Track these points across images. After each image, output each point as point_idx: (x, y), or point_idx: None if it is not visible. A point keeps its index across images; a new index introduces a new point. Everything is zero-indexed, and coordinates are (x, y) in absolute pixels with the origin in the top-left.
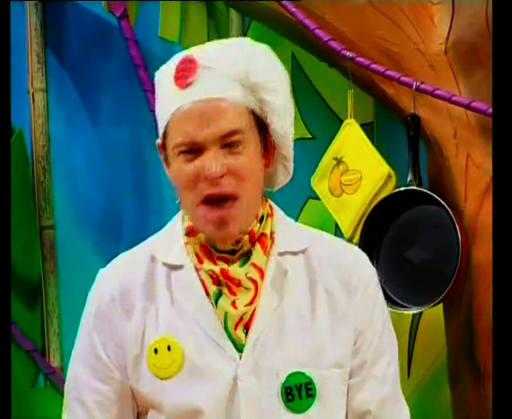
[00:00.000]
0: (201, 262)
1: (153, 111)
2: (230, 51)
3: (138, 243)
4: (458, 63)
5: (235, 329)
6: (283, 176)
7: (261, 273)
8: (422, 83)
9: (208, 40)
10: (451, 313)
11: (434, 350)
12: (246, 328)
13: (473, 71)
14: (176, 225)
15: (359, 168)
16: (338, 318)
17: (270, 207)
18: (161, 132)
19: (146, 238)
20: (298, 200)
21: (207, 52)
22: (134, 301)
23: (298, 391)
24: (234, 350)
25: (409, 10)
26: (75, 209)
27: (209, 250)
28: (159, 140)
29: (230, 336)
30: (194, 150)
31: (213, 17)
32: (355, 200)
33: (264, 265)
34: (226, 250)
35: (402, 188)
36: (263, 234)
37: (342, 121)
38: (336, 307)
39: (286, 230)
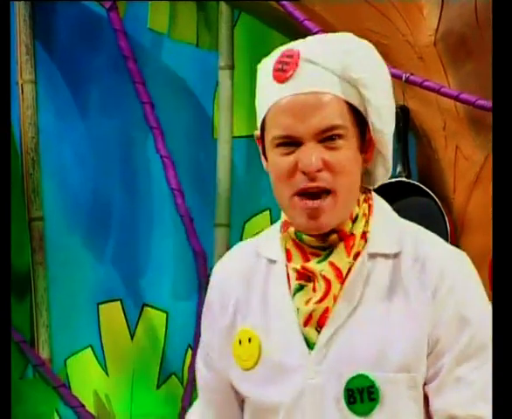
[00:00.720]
0: (289, 258)
1: (142, 103)
2: (332, 46)
3: (127, 235)
4: (447, 55)
5: (305, 326)
6: (382, 174)
7: (339, 273)
8: (411, 75)
9: (197, 32)
10: None
11: None
12: (320, 326)
13: (463, 62)
14: (280, 220)
15: None
16: (412, 323)
17: (369, 206)
18: (259, 124)
19: (135, 231)
20: None
21: (310, 46)
22: (232, 293)
23: (360, 394)
24: (305, 347)
25: (398, 2)
26: (64, 201)
27: (300, 246)
28: (257, 132)
29: (302, 333)
30: (292, 143)
31: (203, 9)
32: None
33: (344, 266)
34: (317, 246)
35: (391, 180)
36: (352, 234)
37: None
38: (412, 313)
39: (383, 229)
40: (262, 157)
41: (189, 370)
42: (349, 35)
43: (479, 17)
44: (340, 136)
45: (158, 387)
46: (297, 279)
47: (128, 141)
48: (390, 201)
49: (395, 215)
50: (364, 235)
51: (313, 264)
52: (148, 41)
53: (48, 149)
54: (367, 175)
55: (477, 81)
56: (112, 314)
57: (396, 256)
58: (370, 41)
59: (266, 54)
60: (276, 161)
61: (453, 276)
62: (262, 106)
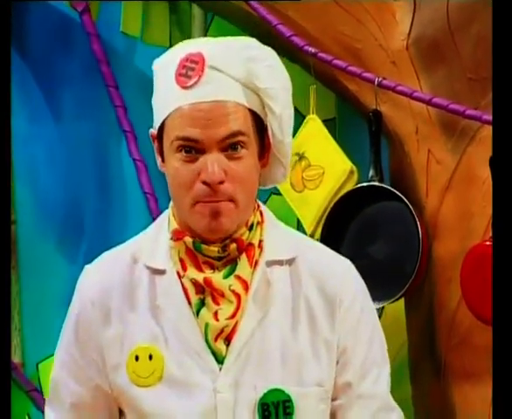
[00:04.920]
0: (185, 268)
1: (115, 106)
2: (237, 53)
3: (100, 239)
4: (419, 59)
5: (215, 341)
6: (278, 176)
7: (245, 285)
8: (384, 79)
9: (170, 35)
10: (412, 308)
11: (395, 345)
12: (228, 340)
13: (435, 67)
14: (163, 227)
15: (321, 164)
16: (319, 335)
17: (261, 213)
18: (157, 124)
19: (108, 235)
20: (260, 196)
21: (215, 51)
22: (114, 305)
23: (275, 408)
24: (214, 362)
25: (371, 6)
26: (37, 205)
27: (194, 255)
28: (153, 131)
29: (210, 348)
30: (195, 150)
31: (175, 13)
32: (317, 195)
33: (249, 277)
34: (213, 256)
35: (363, 184)
36: (250, 244)
37: (304, 117)
38: (318, 324)
39: (275, 237)
40: (157, 156)
41: None
42: (254, 41)
43: (451, 21)
44: (242, 145)
45: None
46: (197, 293)
47: (101, 145)
48: (363, 205)
49: (282, 223)
50: (260, 243)
51: (219, 280)
52: (121, 44)
53: (20, 153)
54: (263, 176)
55: (449, 85)
56: None
57: (291, 262)
58: (344, 45)
59: None
60: (176, 167)
61: (352, 286)
62: (162, 108)
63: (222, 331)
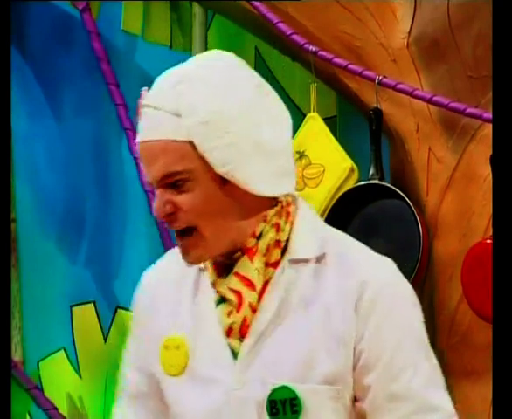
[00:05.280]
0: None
1: (116, 104)
2: (169, 88)
3: (101, 237)
4: (420, 57)
5: (228, 337)
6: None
7: (247, 282)
8: (384, 77)
9: (171, 34)
10: None
11: None
12: (242, 336)
13: (435, 65)
14: None
15: (322, 162)
16: (335, 333)
17: (287, 214)
18: None
19: (109, 233)
20: None
21: (153, 87)
22: (162, 298)
23: (282, 406)
24: (230, 358)
25: (372, 4)
26: (37, 203)
27: (215, 261)
28: None
29: (228, 344)
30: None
31: (176, 11)
32: (317, 194)
33: (254, 275)
34: (226, 263)
35: (364, 182)
36: (255, 245)
37: (304, 115)
38: (336, 322)
39: (303, 236)
40: None
41: None
42: (196, 64)
43: (451, 20)
44: (185, 180)
45: None
46: (217, 292)
47: (101, 143)
48: (363, 203)
49: (320, 221)
50: (279, 243)
51: (220, 281)
52: (122, 43)
53: (21, 150)
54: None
55: (450, 84)
56: (85, 316)
57: (318, 261)
58: (344, 43)
59: (240, 56)
60: None
61: (376, 287)
62: None
63: (231, 327)
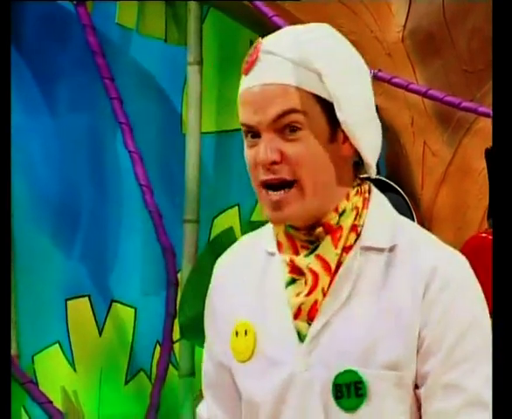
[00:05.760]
0: (280, 250)
1: (111, 98)
2: (294, 36)
3: (96, 232)
4: (415, 51)
5: (295, 319)
6: (367, 165)
7: (326, 266)
8: (380, 71)
9: (166, 27)
10: None
11: None
12: (311, 319)
13: (430, 59)
14: None
15: None
16: (403, 320)
17: (364, 199)
18: None
19: (104, 228)
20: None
21: (274, 37)
22: (232, 284)
23: (347, 389)
24: (297, 340)
25: None
26: (32, 197)
27: (291, 238)
28: None
29: (294, 326)
30: (253, 134)
31: (171, 5)
32: None
33: (333, 258)
34: (306, 239)
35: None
36: (339, 226)
37: None
38: (402, 310)
39: (377, 223)
40: None
41: (157, 366)
42: (317, 25)
43: (446, 14)
44: (300, 127)
45: (126, 383)
46: (289, 272)
47: (96, 137)
48: None
49: (393, 210)
50: (355, 228)
51: (300, 259)
52: (117, 36)
53: (16, 145)
54: (361, 166)
55: (445, 78)
56: (80, 310)
57: (390, 250)
58: None
59: (235, 50)
60: (245, 152)
61: (445, 275)
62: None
63: (300, 309)
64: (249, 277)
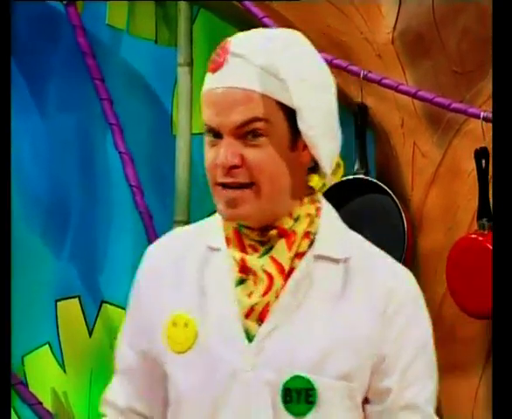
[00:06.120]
0: (229, 245)
1: (101, 99)
2: (263, 42)
3: (86, 232)
4: (405, 52)
5: (246, 318)
6: (323, 175)
7: (280, 268)
8: (369, 72)
9: (156, 28)
10: None
11: None
12: (261, 320)
13: (420, 60)
14: None
15: None
16: (358, 334)
17: (317, 209)
18: None
19: (94, 228)
20: None
21: (243, 40)
22: (165, 274)
23: (298, 395)
24: (243, 339)
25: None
26: (22, 198)
27: (240, 237)
28: None
29: (243, 326)
30: (215, 134)
31: (161, 6)
32: None
33: (286, 262)
34: (256, 240)
35: (349, 177)
36: (293, 231)
37: None
38: (359, 323)
39: (331, 234)
40: None
41: None
42: (287, 31)
43: (436, 15)
44: (262, 133)
45: None
46: (239, 272)
47: (86, 138)
48: (348, 198)
49: (343, 223)
50: (308, 235)
51: (253, 259)
52: (107, 37)
53: None
54: (315, 172)
55: (434, 79)
56: (70, 311)
57: (344, 262)
58: (330, 38)
59: None
60: (205, 150)
61: (402, 295)
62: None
63: (252, 309)
64: (186, 270)
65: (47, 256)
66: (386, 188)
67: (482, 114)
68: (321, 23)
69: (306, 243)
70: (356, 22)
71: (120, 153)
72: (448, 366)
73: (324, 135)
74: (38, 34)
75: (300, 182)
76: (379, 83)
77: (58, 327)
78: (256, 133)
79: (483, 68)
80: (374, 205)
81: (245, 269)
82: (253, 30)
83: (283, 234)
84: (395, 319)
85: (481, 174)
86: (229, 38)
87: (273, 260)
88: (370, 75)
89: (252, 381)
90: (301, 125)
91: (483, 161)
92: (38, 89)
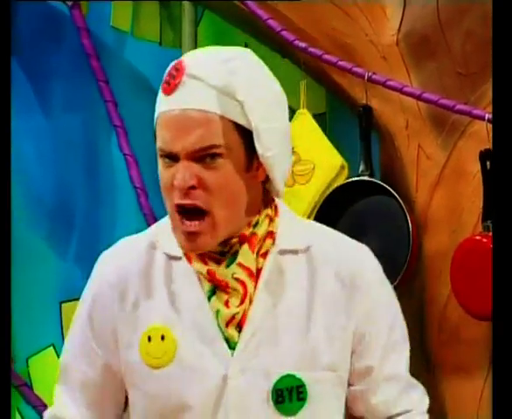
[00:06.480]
0: (190, 261)
1: (106, 101)
2: (218, 63)
3: (90, 234)
4: (409, 54)
5: (226, 327)
6: (274, 191)
7: (249, 272)
8: (374, 74)
9: (160, 30)
10: (402, 304)
11: None
12: (240, 327)
13: (425, 62)
14: None
15: (312, 159)
16: (335, 320)
17: (275, 208)
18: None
19: (98, 230)
20: None
21: (197, 60)
22: (131, 287)
23: (289, 393)
24: (226, 348)
25: (362, 2)
26: (27, 199)
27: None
28: None
29: (223, 334)
30: (171, 157)
31: (166, 7)
32: (307, 190)
33: (253, 264)
34: (216, 251)
35: (354, 179)
36: (254, 234)
37: (294, 112)
38: (333, 310)
39: (289, 228)
40: None
41: None
42: (240, 51)
43: (441, 17)
44: (219, 155)
45: None
46: (209, 281)
47: (91, 140)
48: (353, 200)
49: (296, 215)
50: (272, 234)
51: (221, 270)
52: (112, 39)
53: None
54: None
55: (439, 80)
56: (74, 313)
57: (306, 251)
58: (334, 40)
59: None
60: (160, 171)
61: (368, 274)
62: (155, 115)
63: (233, 317)
64: (151, 280)
65: (52, 257)
66: (391, 189)
67: (487, 116)
68: (326, 25)
69: (269, 242)
70: (361, 24)
71: (124, 155)
72: (453, 367)
73: (279, 155)
74: (44, 35)
75: (256, 196)
76: (384, 85)
77: (62, 329)
78: (214, 156)
79: (488, 70)
80: (379, 207)
81: (214, 281)
82: (206, 50)
83: (244, 240)
84: (366, 299)
85: (486, 175)
86: (181, 58)
87: (242, 266)
88: (374, 77)
89: (243, 388)
90: (259, 146)
91: (488, 163)
92: (43, 91)
